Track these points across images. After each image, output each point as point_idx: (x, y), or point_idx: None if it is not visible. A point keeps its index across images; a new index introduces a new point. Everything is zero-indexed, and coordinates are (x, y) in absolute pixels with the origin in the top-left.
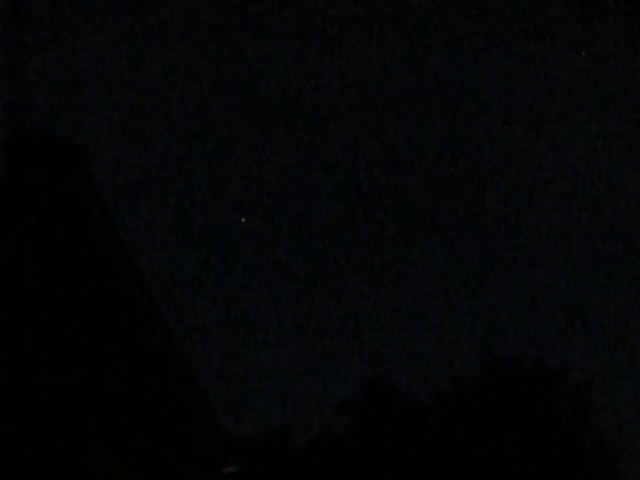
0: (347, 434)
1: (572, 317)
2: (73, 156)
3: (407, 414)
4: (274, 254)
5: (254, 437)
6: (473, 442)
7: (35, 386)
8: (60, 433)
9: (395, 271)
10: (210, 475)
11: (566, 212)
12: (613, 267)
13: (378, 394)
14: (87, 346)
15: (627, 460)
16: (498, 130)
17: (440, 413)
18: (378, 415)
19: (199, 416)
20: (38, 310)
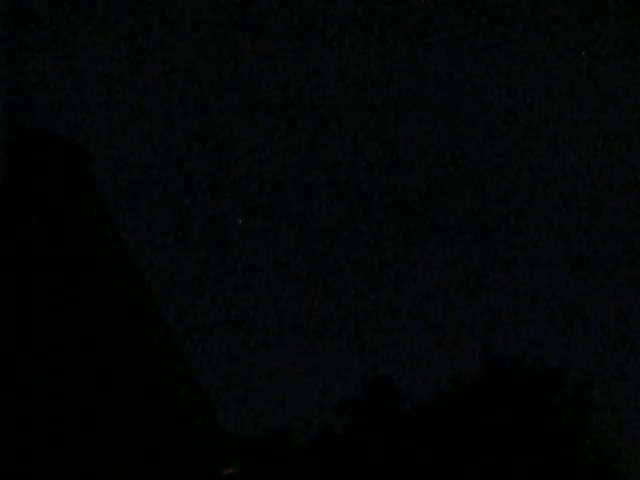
0: (347, 434)
1: (572, 317)
2: (73, 156)
3: (407, 414)
4: (274, 254)
5: (254, 437)
6: (473, 442)
7: (35, 386)
8: (60, 433)
9: (395, 271)
10: (210, 475)
11: (566, 212)
12: (613, 267)
13: (378, 394)
14: (87, 346)
15: (627, 460)
16: (498, 130)
17: (440, 413)
18: (378, 415)
19: (199, 416)
20: (38, 310)
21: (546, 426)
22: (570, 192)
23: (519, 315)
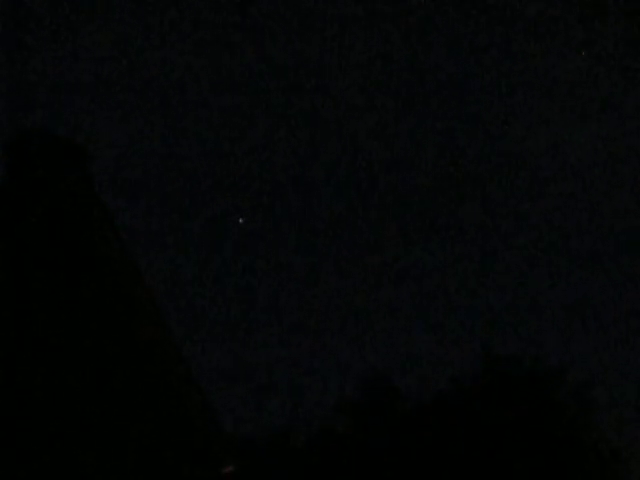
0: (347, 434)
1: (573, 315)
2: (73, 156)
3: (407, 414)
4: (274, 254)
5: (254, 437)
6: (473, 442)
7: (35, 386)
8: (60, 433)
9: (395, 271)
10: (210, 475)
11: (566, 212)
12: (613, 265)
13: (378, 394)
14: (87, 346)
15: (627, 460)
16: (498, 130)
17: (440, 413)
18: (378, 415)
19: (199, 416)
20: (38, 310)
21: (547, 426)
22: (570, 192)
23: (519, 314)
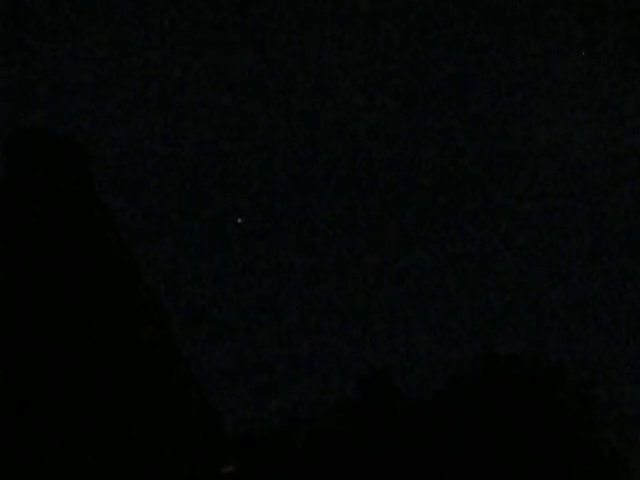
0: (347, 434)
1: (575, 313)
2: (73, 156)
3: (407, 414)
4: (274, 254)
5: (254, 437)
6: (473, 442)
7: (35, 386)
8: (60, 433)
9: (395, 271)
10: (210, 475)
11: (566, 210)
12: (615, 263)
13: (378, 394)
14: (87, 346)
15: (627, 460)
16: (498, 130)
17: (440, 413)
18: (378, 415)
19: (199, 416)
20: (38, 310)
21: (547, 425)
22: (570, 192)
23: (519, 314)
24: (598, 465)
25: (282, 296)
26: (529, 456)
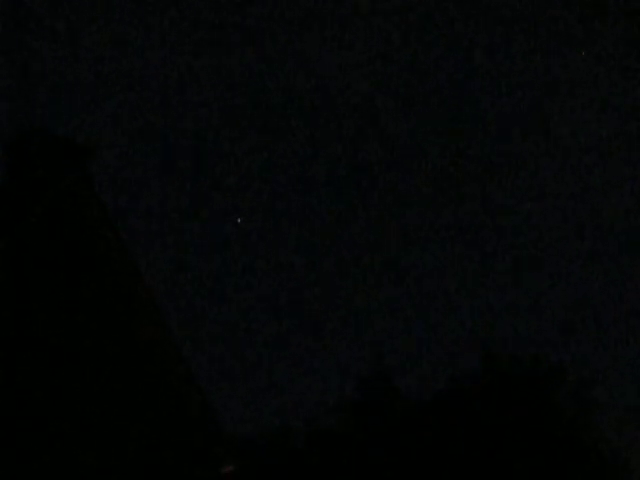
0: (347, 434)
1: (573, 315)
2: (73, 156)
3: (407, 414)
4: (274, 254)
5: (254, 437)
6: (473, 441)
7: (35, 386)
8: (60, 433)
9: (395, 271)
10: (210, 475)
11: (566, 211)
12: (614, 265)
13: (378, 394)
14: (87, 346)
15: (627, 460)
16: (498, 130)
17: (440, 412)
18: (378, 415)
19: (199, 416)
20: (38, 310)
21: (547, 425)
22: (570, 192)
23: (519, 314)
24: (598, 465)
25: (282, 296)
26: (529, 456)
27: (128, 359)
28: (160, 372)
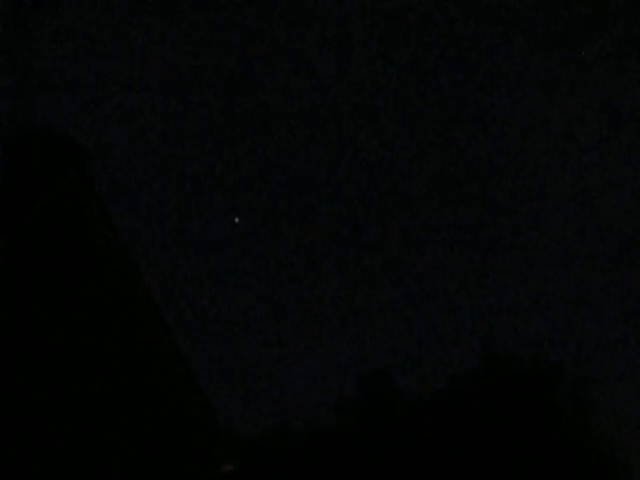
0: (347, 434)
1: (572, 315)
2: (73, 156)
3: (407, 414)
4: (274, 254)
5: (254, 437)
6: (472, 441)
7: (35, 386)
8: (60, 433)
9: (395, 271)
10: (210, 475)
11: (566, 211)
12: (612, 265)
13: (378, 394)
14: (87, 346)
15: (627, 459)
16: (498, 130)
17: (440, 412)
18: (378, 415)
19: (199, 416)
20: (38, 310)
21: (546, 425)
22: (570, 191)
23: (519, 314)
24: (597, 464)
25: (282, 296)
26: (529, 455)
27: (128, 359)
28: (160, 372)
